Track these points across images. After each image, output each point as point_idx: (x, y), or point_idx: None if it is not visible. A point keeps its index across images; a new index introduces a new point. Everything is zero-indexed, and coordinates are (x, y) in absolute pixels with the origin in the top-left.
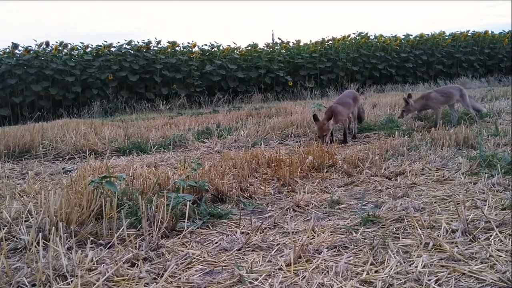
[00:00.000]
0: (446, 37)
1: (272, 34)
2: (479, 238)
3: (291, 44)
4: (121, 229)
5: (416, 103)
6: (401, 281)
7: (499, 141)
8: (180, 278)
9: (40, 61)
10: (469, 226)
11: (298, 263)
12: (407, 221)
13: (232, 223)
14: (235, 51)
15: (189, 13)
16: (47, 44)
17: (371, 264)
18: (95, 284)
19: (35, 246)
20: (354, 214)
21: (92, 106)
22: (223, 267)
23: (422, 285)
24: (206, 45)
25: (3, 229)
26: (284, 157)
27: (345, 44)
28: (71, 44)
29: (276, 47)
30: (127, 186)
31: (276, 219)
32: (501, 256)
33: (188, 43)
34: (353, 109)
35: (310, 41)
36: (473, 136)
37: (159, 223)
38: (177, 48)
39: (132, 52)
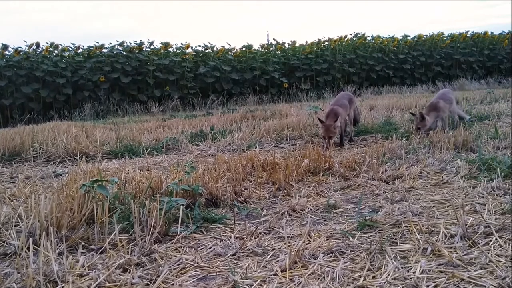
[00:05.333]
0: (445, 38)
1: (267, 35)
2: (479, 243)
3: (286, 45)
4: (113, 234)
5: (430, 116)
6: (399, 287)
7: (499, 144)
8: (173, 284)
9: (30, 62)
10: (468, 231)
11: (294, 268)
12: (405, 226)
13: (226, 228)
14: (229, 52)
15: (183, 14)
16: (38, 45)
17: (368, 270)
18: None
19: (25, 251)
20: (351, 218)
21: (83, 108)
22: (217, 273)
23: None
24: (199, 46)
25: None
26: (280, 161)
27: (341, 45)
28: (62, 45)
29: (271, 48)
30: (119, 190)
31: (271, 224)
32: (501, 261)
33: (182, 44)
34: (349, 111)
35: (306, 42)
36: (472, 139)
37: (151, 227)
38: (170, 49)
39: (124, 53)
